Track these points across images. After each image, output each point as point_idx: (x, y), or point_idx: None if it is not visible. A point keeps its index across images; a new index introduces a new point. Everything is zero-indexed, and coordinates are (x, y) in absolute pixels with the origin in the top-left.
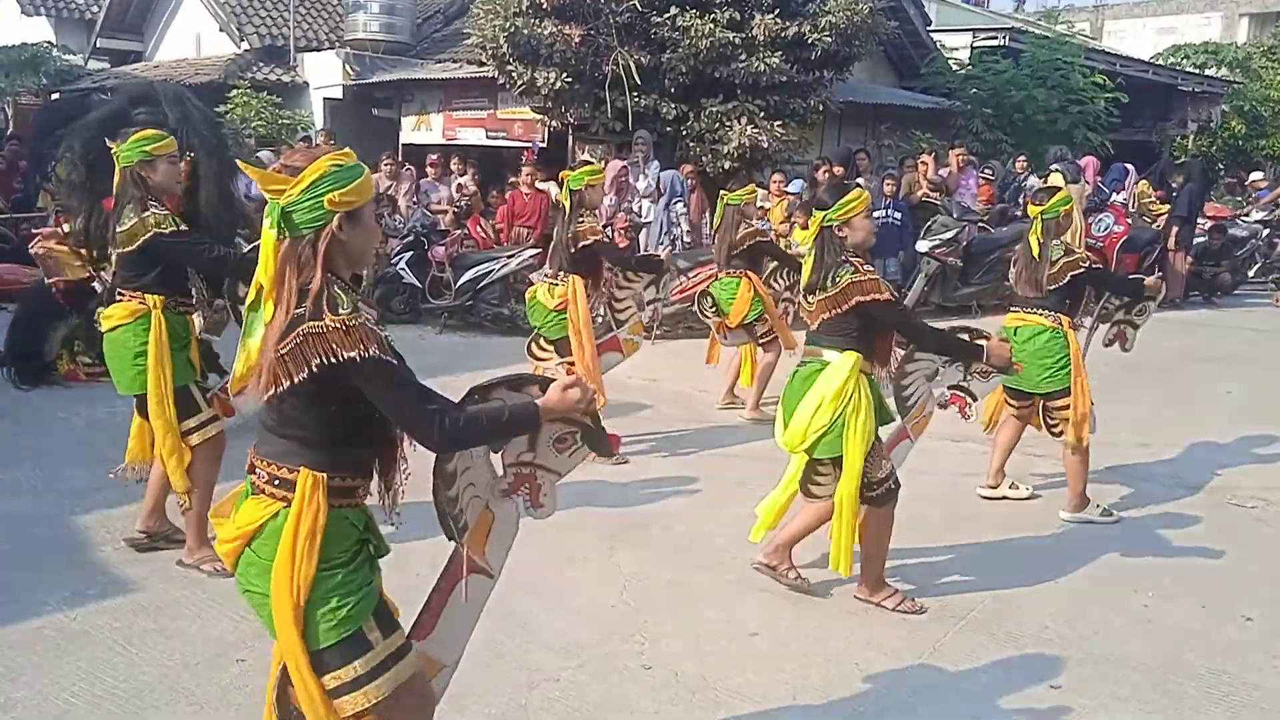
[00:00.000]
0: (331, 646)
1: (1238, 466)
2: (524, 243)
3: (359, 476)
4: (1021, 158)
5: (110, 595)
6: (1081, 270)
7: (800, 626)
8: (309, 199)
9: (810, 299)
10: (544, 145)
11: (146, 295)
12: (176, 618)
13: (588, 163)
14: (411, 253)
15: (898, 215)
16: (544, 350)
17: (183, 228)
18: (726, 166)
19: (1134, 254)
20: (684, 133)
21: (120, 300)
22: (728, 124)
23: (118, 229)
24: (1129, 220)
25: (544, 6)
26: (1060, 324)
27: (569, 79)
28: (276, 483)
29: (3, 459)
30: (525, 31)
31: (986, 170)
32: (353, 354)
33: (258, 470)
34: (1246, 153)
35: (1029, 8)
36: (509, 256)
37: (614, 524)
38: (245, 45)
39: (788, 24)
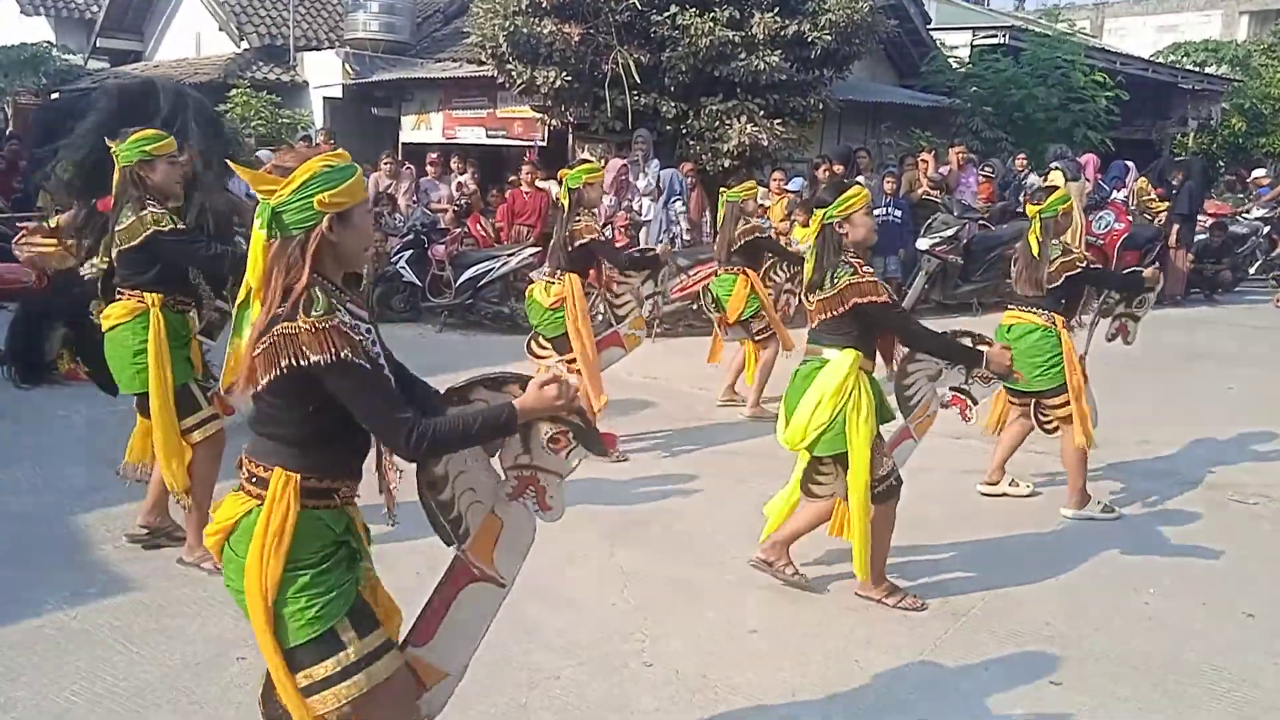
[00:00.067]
0: (302, 645)
1: (1238, 463)
2: (524, 241)
3: (338, 479)
4: (1021, 155)
5: (110, 594)
6: (1078, 271)
7: (800, 624)
8: (299, 200)
9: (810, 298)
10: (544, 144)
11: (145, 294)
12: (177, 616)
13: (586, 161)
14: (411, 251)
15: (898, 213)
16: (543, 348)
17: (180, 226)
18: (726, 165)
19: (1135, 251)
20: (684, 131)
21: (120, 299)
22: (728, 122)
23: (117, 228)
24: (1130, 218)
25: (543, 5)
26: (1054, 323)
27: (569, 78)
28: (254, 480)
29: (3, 458)
30: (525, 30)
31: (986, 168)
32: (318, 357)
33: (243, 467)
34: (1247, 150)
35: (1029, 6)
36: (509, 255)
37: (614, 522)
38: (245, 45)
39: (787, 22)
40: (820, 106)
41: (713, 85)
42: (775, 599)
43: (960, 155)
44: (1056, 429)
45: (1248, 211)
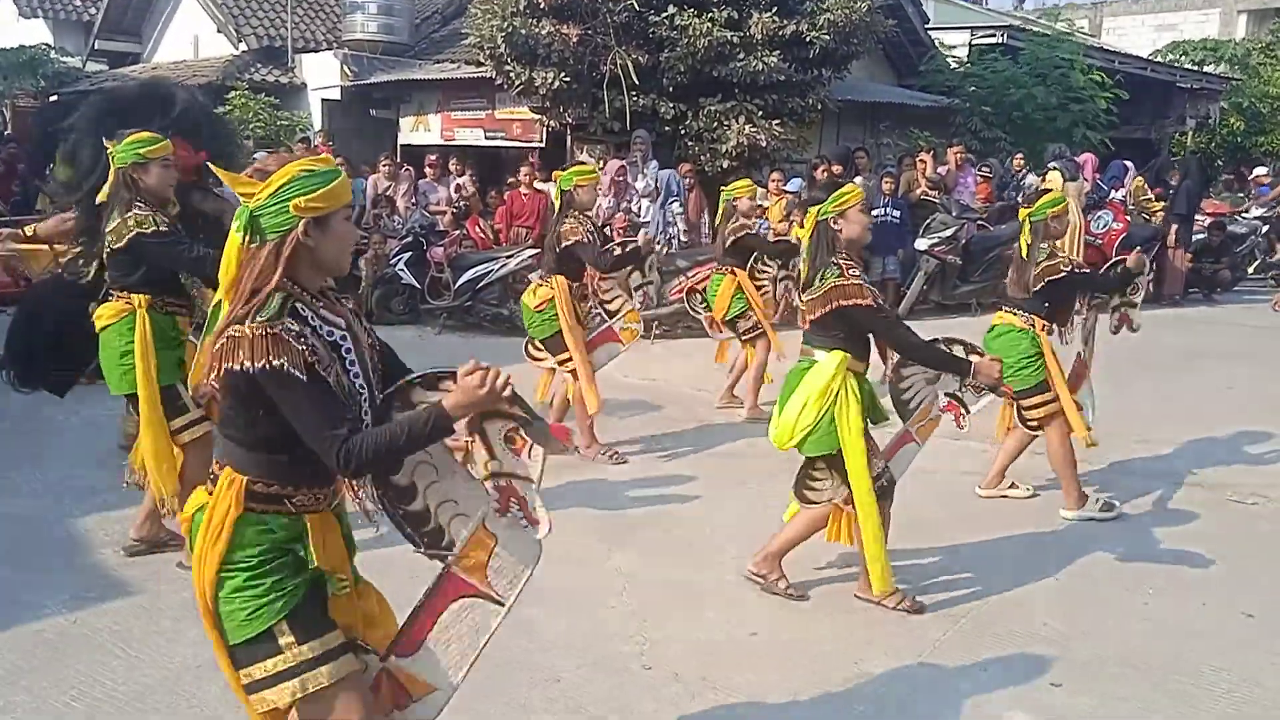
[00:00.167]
0: (240, 644)
1: (1237, 463)
2: (523, 243)
3: (289, 485)
4: (1019, 155)
5: (110, 597)
6: (1060, 276)
7: (800, 626)
8: (275, 204)
9: (803, 297)
10: (542, 145)
11: (133, 295)
12: (177, 620)
13: (582, 163)
14: (410, 253)
15: (896, 213)
16: (539, 350)
17: (163, 229)
18: (725, 165)
19: (1133, 251)
20: (682, 132)
21: (110, 300)
22: (726, 123)
23: (106, 229)
24: (1128, 217)
25: (542, 6)
26: (1032, 325)
27: (567, 79)
28: (212, 479)
29: (1, 461)
30: (523, 31)
31: (984, 168)
32: (249, 363)
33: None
34: (1245, 149)
35: (1028, 5)
36: (508, 257)
37: (614, 524)
38: (243, 46)
39: (785, 22)
40: (819, 107)
41: (711, 86)
42: (775, 601)
43: (958, 155)
44: (1038, 427)
45: (1246, 211)
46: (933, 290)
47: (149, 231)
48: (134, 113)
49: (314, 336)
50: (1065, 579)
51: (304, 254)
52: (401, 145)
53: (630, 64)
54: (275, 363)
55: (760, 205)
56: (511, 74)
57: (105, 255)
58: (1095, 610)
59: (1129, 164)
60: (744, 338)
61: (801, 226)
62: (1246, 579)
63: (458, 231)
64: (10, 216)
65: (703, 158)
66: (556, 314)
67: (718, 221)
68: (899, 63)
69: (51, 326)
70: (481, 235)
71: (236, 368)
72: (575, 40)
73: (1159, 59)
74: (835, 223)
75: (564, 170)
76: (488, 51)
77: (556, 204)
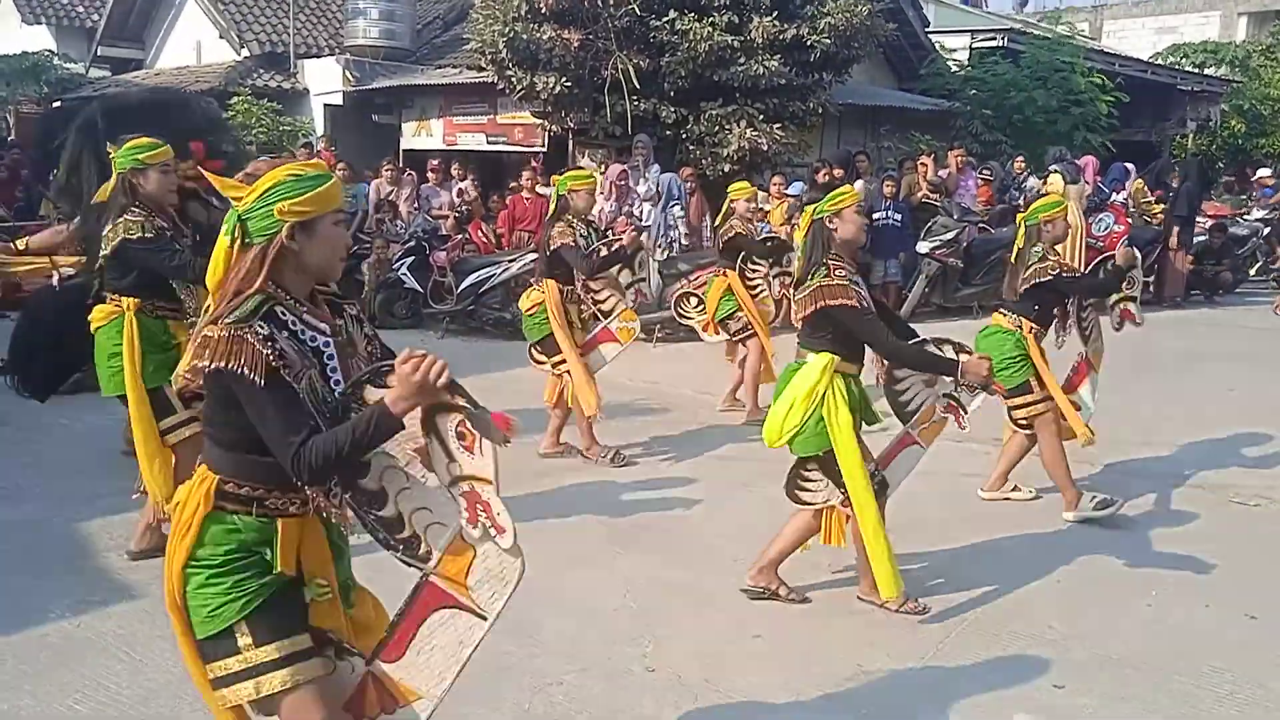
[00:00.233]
0: (206, 639)
1: (1240, 465)
2: (525, 247)
3: (262, 487)
4: (1020, 158)
5: (114, 601)
6: (1047, 279)
7: (803, 628)
8: (261, 208)
9: (795, 296)
10: (544, 150)
11: (123, 298)
12: None
13: (579, 169)
14: (413, 258)
15: (898, 217)
16: (539, 353)
17: (148, 235)
18: (726, 169)
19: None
20: (684, 136)
21: (105, 302)
22: (727, 127)
23: (104, 234)
24: (1129, 220)
25: (543, 11)
26: (1019, 327)
27: (568, 84)
28: (195, 476)
29: (6, 465)
30: (524, 36)
31: (985, 171)
32: (210, 363)
33: None
34: (1246, 151)
35: (1029, 9)
36: (510, 261)
37: (616, 527)
38: (245, 52)
39: (786, 26)
40: (819, 110)
41: (712, 90)
42: (777, 604)
43: (959, 158)
44: (1028, 426)
45: (1248, 213)
46: (934, 293)
47: (134, 238)
48: (138, 119)
49: (292, 341)
50: (1068, 581)
51: (289, 258)
52: (404, 150)
53: (631, 68)
54: (232, 365)
55: (761, 209)
56: (513, 79)
57: (102, 259)
58: (1098, 611)
59: (1130, 166)
60: (734, 339)
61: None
62: (1249, 580)
63: (460, 236)
64: (14, 222)
65: (704, 162)
66: (548, 317)
67: (717, 224)
68: (900, 66)
69: (51, 326)
70: (484, 239)
71: (201, 366)
72: (576, 45)
73: (1159, 61)
74: (830, 222)
75: (561, 175)
76: (489, 56)
77: (551, 208)
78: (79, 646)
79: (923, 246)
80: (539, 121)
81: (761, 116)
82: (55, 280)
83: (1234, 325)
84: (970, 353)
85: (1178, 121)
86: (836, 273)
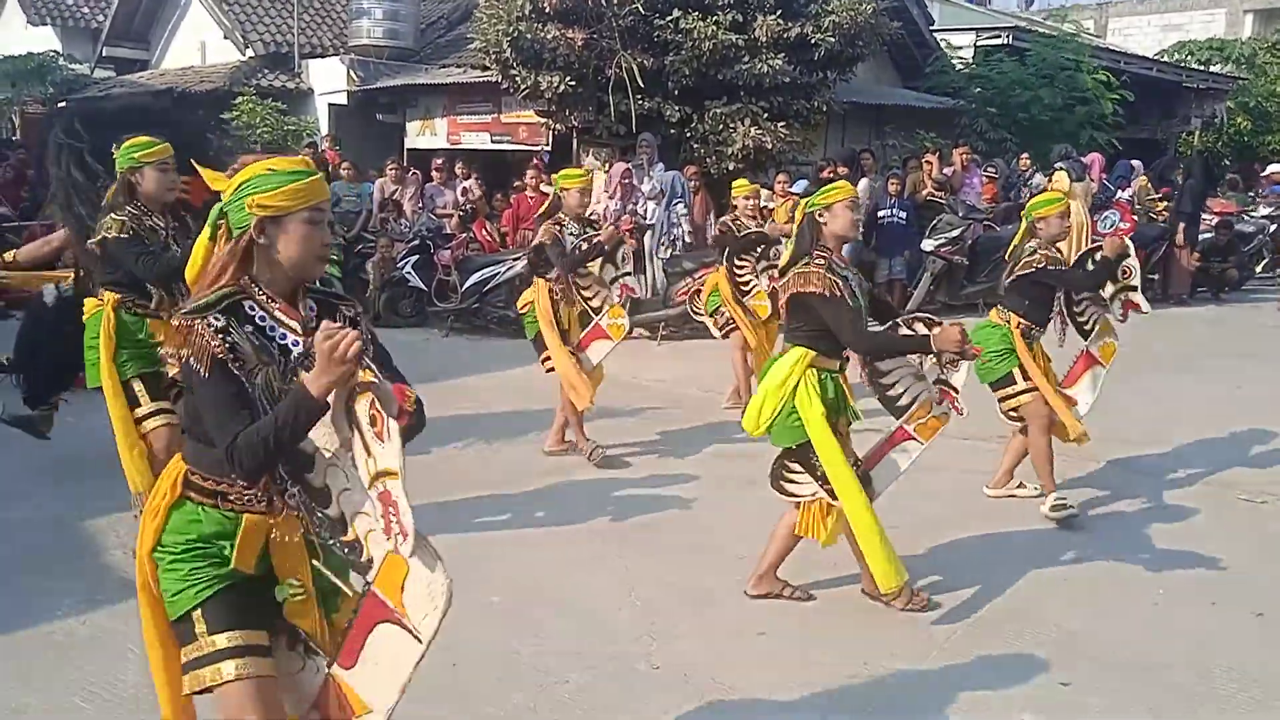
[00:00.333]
0: (173, 623)
1: (1247, 463)
2: (529, 246)
3: (226, 481)
4: (1025, 156)
5: (120, 599)
6: (1031, 271)
7: (809, 626)
8: (236, 200)
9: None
10: (548, 149)
11: (106, 293)
12: None
13: (575, 168)
14: (417, 256)
15: (902, 214)
16: (536, 351)
17: (124, 235)
18: (731, 168)
19: (1141, 251)
20: (688, 135)
21: (95, 297)
22: (732, 126)
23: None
24: (1135, 217)
25: (547, 10)
26: (1008, 321)
27: (573, 82)
28: (170, 463)
29: (11, 464)
30: (528, 36)
31: (990, 169)
32: (169, 350)
33: None
34: (1252, 149)
35: (1035, 5)
36: (514, 259)
37: (621, 525)
38: (250, 52)
39: (790, 25)
40: (824, 109)
41: (716, 88)
42: (783, 601)
43: (964, 156)
44: (1019, 419)
45: (1254, 210)
46: (939, 291)
47: (112, 236)
48: (117, 125)
49: (256, 336)
50: (1074, 579)
51: (262, 253)
52: (408, 149)
53: (635, 67)
54: (182, 353)
55: (765, 207)
56: (517, 78)
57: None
58: (1104, 610)
59: (1136, 164)
60: (723, 332)
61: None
62: (1256, 579)
63: (464, 235)
64: (19, 222)
65: (708, 160)
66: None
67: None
68: (904, 64)
69: (53, 324)
70: (488, 238)
71: (166, 354)
72: (580, 44)
73: (1165, 59)
74: (821, 216)
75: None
76: (493, 56)
77: (545, 206)
78: (85, 644)
79: (928, 244)
80: (543, 120)
81: (766, 115)
82: (50, 296)
83: (1240, 322)
84: (940, 324)
85: (1183, 119)
86: (815, 261)
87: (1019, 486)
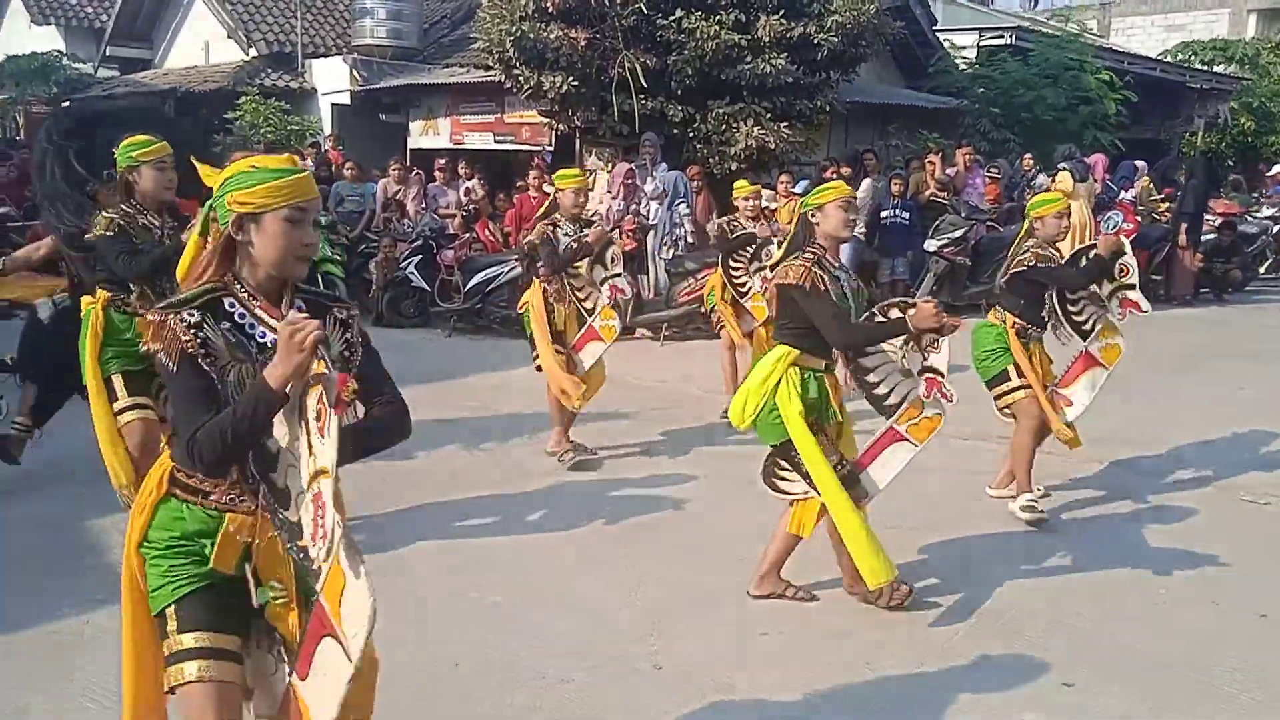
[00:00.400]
0: (155, 617)
1: (1251, 464)
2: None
3: (206, 479)
4: (1028, 156)
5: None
6: (1023, 269)
7: (811, 626)
8: (220, 198)
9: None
10: (551, 149)
11: (98, 290)
12: None
13: (569, 168)
14: (420, 256)
15: (905, 215)
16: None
17: (110, 232)
18: (733, 168)
19: (1144, 251)
20: (691, 135)
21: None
22: (734, 126)
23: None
24: (1138, 218)
25: (550, 11)
26: (1003, 321)
27: (575, 82)
28: (160, 458)
29: (23, 463)
30: (531, 36)
31: (993, 169)
32: (141, 346)
33: None
34: (1256, 149)
35: (1038, 5)
36: (517, 260)
37: (623, 526)
38: (253, 52)
39: (793, 25)
40: (827, 109)
41: (719, 88)
42: (785, 601)
43: (967, 156)
44: (1012, 415)
45: (1258, 210)
46: (942, 291)
47: (97, 234)
48: (105, 128)
49: (234, 333)
50: (1077, 579)
51: (243, 251)
52: (411, 149)
53: (638, 67)
54: (154, 348)
55: (768, 207)
56: (520, 78)
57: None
58: (1107, 610)
59: (1139, 164)
60: (717, 329)
61: None
62: (1260, 579)
63: (467, 235)
64: (24, 221)
65: (711, 160)
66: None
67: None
68: (907, 64)
69: (54, 323)
70: (491, 238)
71: (142, 350)
72: (583, 44)
73: (1168, 59)
74: (814, 216)
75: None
76: (496, 56)
77: (544, 207)
78: (89, 644)
79: (930, 245)
80: (546, 120)
81: (769, 115)
82: (45, 312)
83: (1244, 323)
84: (915, 304)
85: (1186, 119)
86: (804, 256)
87: None
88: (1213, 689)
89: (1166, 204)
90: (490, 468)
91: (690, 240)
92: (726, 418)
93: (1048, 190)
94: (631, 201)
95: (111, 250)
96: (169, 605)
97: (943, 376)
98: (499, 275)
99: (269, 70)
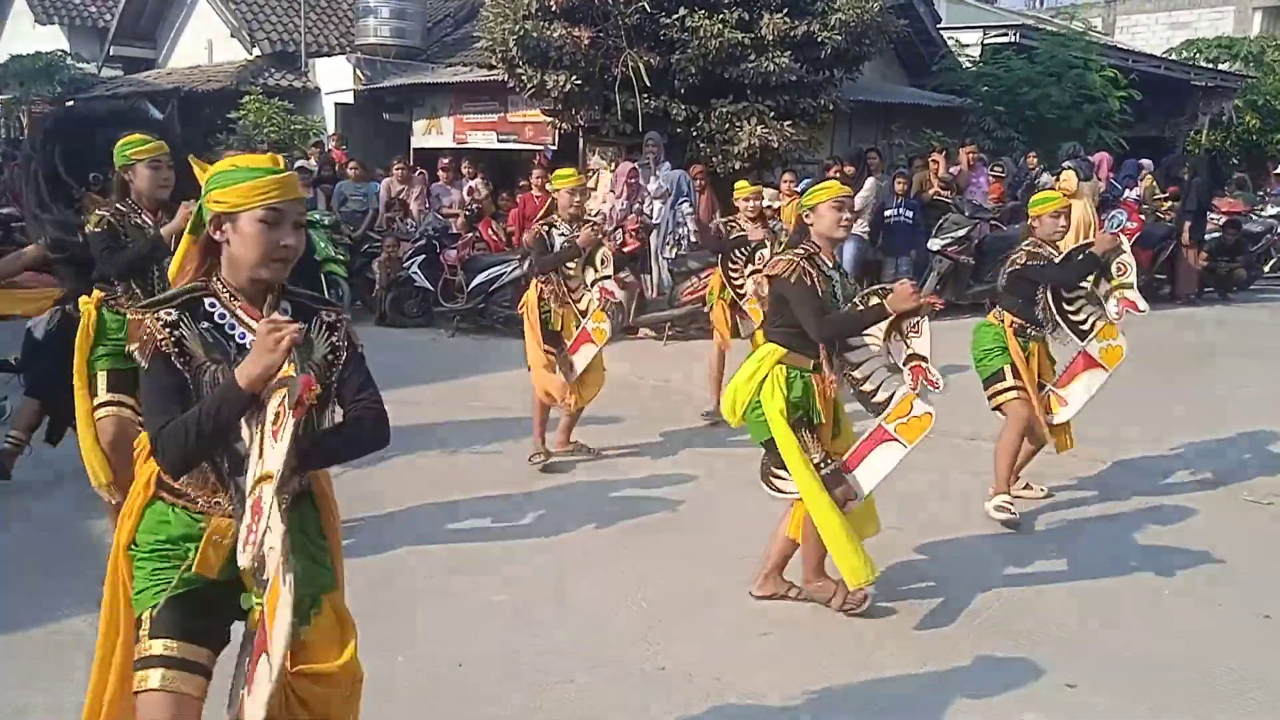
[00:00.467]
0: (136, 619)
1: (1254, 463)
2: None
3: (189, 483)
4: (1032, 154)
5: None
6: (1015, 269)
7: (814, 626)
8: (204, 196)
9: None
10: (555, 149)
11: (95, 289)
12: None
13: (566, 168)
14: (424, 256)
15: (909, 214)
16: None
17: (99, 228)
18: (737, 167)
19: (1148, 250)
20: (694, 134)
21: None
22: (738, 124)
23: None
24: (1142, 216)
25: (553, 9)
26: (1001, 320)
27: (579, 81)
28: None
29: (25, 464)
30: (535, 34)
31: (997, 168)
32: (128, 345)
33: None
34: (1261, 147)
35: (1044, 3)
36: (520, 259)
37: (625, 526)
38: (257, 51)
39: (797, 23)
40: (830, 107)
41: (722, 87)
42: (787, 601)
43: (971, 155)
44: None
45: (1263, 209)
46: (946, 290)
47: (88, 230)
48: (91, 132)
49: (213, 333)
50: (1079, 579)
51: (223, 250)
52: (414, 149)
53: (642, 66)
54: (130, 346)
55: (770, 206)
56: (523, 77)
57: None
58: (1109, 610)
59: (1143, 163)
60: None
61: None
62: (1262, 580)
63: (470, 234)
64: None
65: (714, 159)
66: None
67: None
68: (911, 63)
69: (56, 323)
70: (494, 238)
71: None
72: (587, 43)
73: (1173, 57)
74: (807, 216)
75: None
76: (500, 54)
77: (545, 208)
78: (89, 644)
79: (934, 244)
80: (549, 119)
81: (772, 114)
82: (40, 332)
83: (1248, 322)
84: (892, 289)
85: (1191, 117)
86: (795, 252)
87: (1025, 487)
88: (1213, 689)
89: (1170, 202)
90: (492, 468)
91: (693, 239)
92: (705, 418)
93: (1051, 189)
94: (635, 200)
95: (97, 246)
96: (148, 609)
97: (927, 362)
98: (502, 275)
99: (272, 70)
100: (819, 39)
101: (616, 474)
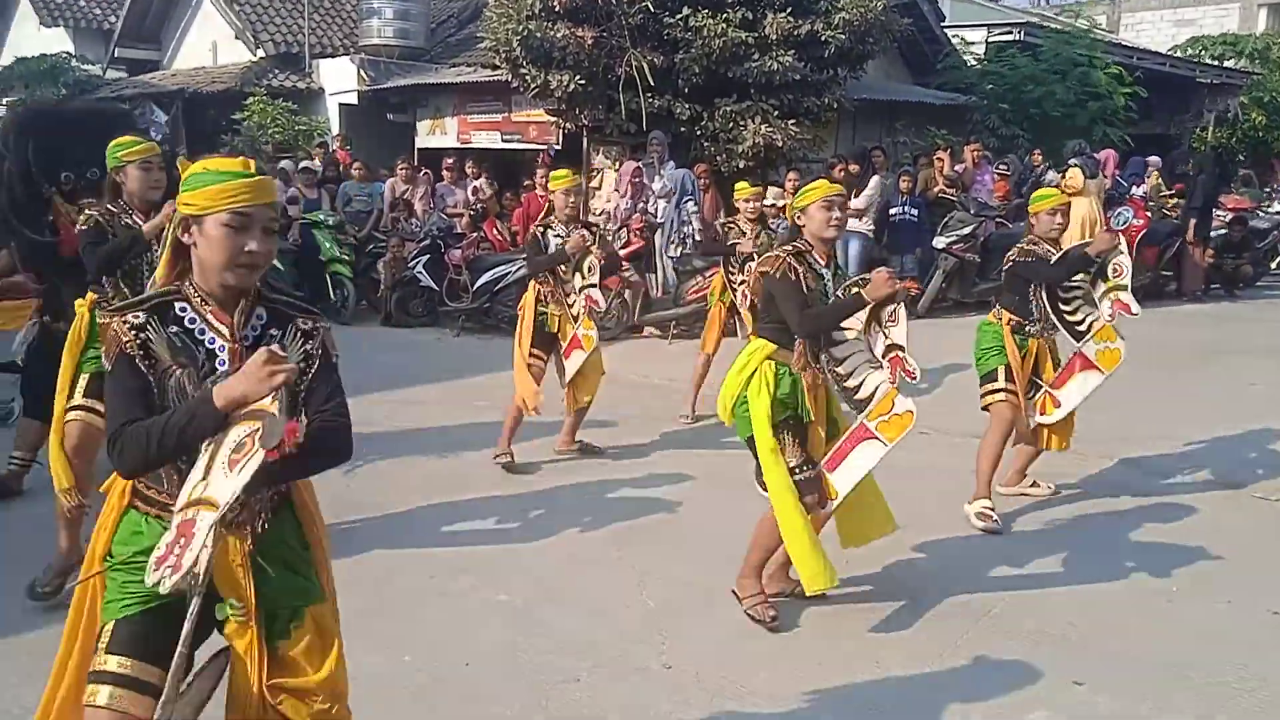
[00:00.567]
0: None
1: (1262, 461)
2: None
3: (166, 492)
4: (1037, 151)
5: None
6: (1010, 265)
7: (819, 624)
8: (178, 198)
9: None
10: (559, 148)
11: (88, 293)
12: None
13: (561, 169)
14: (428, 256)
15: (914, 212)
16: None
17: (86, 226)
18: (741, 166)
19: (1154, 247)
20: (698, 133)
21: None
22: (742, 123)
23: None
24: (1149, 214)
25: (557, 9)
26: (999, 318)
27: (583, 81)
28: None
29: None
30: (538, 34)
31: (1002, 165)
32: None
33: None
34: (1267, 144)
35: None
36: (525, 259)
37: (629, 524)
38: (261, 53)
39: (800, 22)
40: (834, 106)
41: (726, 86)
42: (793, 599)
43: (976, 153)
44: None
45: (1269, 205)
46: (951, 288)
47: (78, 230)
48: (66, 132)
49: (181, 337)
50: (1086, 577)
51: (193, 253)
52: (419, 149)
53: (645, 65)
54: (103, 351)
55: (773, 205)
56: (527, 77)
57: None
58: (1117, 609)
59: (1149, 160)
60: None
61: None
62: (1270, 578)
63: (475, 234)
64: None
65: (719, 158)
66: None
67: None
68: (915, 61)
69: (33, 353)
70: (499, 237)
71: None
72: (590, 43)
73: (1178, 54)
74: (799, 217)
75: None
76: (503, 55)
77: (545, 209)
78: None
79: (939, 242)
80: (553, 119)
81: (776, 112)
82: (19, 347)
83: (1254, 319)
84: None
85: (1196, 114)
86: (785, 249)
87: (1032, 485)
88: (1222, 687)
89: (1176, 199)
90: (496, 467)
91: (698, 238)
92: (682, 419)
93: (1056, 186)
94: (639, 200)
95: (83, 245)
96: (110, 621)
97: (904, 351)
98: (507, 274)
99: (276, 71)
100: (823, 38)
101: (619, 473)
